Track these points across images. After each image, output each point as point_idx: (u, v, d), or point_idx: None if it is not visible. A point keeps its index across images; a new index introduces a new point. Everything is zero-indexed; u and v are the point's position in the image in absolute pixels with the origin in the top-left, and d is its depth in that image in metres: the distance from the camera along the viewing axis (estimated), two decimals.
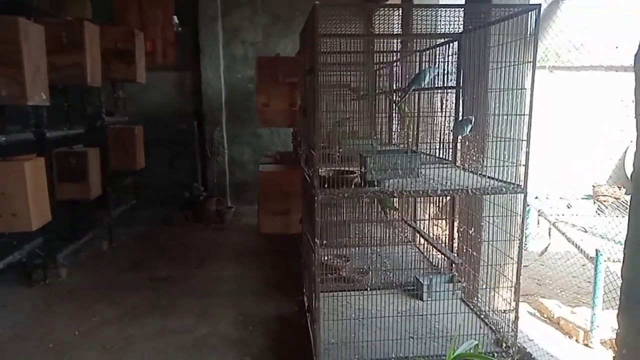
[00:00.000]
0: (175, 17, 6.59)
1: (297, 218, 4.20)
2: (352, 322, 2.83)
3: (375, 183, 2.64)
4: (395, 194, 2.55)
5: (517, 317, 2.66)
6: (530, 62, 2.87)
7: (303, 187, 3.72)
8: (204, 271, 4.81)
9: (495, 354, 2.66)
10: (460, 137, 3.17)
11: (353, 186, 2.69)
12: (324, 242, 3.42)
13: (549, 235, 4.55)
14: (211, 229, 6.39)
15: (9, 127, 3.94)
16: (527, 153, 2.58)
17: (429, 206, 4.87)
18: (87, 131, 5.33)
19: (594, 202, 5.24)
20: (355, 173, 2.83)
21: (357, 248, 4.24)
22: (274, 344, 3.31)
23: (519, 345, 2.78)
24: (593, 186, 5.48)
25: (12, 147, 4.02)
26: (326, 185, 2.59)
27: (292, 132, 6.25)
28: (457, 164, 3.35)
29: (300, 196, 4.09)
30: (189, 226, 6.50)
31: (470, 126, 3.06)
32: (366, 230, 4.55)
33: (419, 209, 4.67)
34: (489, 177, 2.78)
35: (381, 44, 4.57)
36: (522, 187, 2.60)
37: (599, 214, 4.98)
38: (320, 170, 2.62)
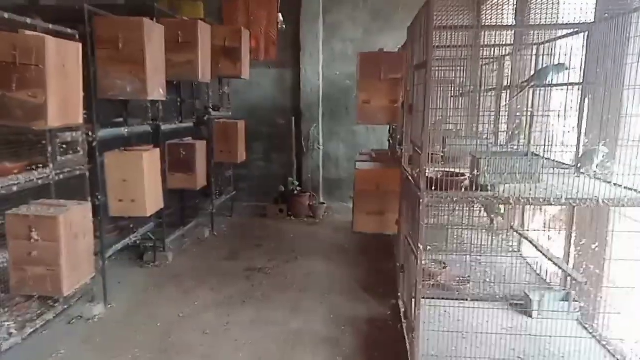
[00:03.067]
0: (280, 15, 6.75)
1: (393, 219, 4.07)
2: (453, 335, 2.65)
3: (489, 187, 2.44)
4: (511, 201, 2.33)
5: None
6: None
7: (403, 187, 3.59)
8: (296, 265, 4.88)
9: None
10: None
11: (463, 190, 2.51)
12: (428, 247, 3.26)
13: None
14: (303, 224, 6.48)
15: (130, 121, 4.30)
16: None
17: (537, 215, 4.46)
18: (195, 125, 5.67)
19: None
20: (465, 175, 2.64)
21: (455, 254, 4.01)
22: (366, 347, 3.23)
23: None
24: None
25: (132, 139, 4.40)
26: (433, 188, 2.44)
27: (389, 130, 6.11)
28: (580, 170, 2.99)
29: (398, 196, 3.96)
30: (282, 219, 6.66)
31: (602, 155, 2.71)
32: (465, 236, 4.29)
33: (527, 217, 4.30)
34: (623, 186, 2.43)
35: (491, 37, 4.26)
36: None
37: None
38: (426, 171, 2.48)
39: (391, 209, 4.10)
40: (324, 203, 6.99)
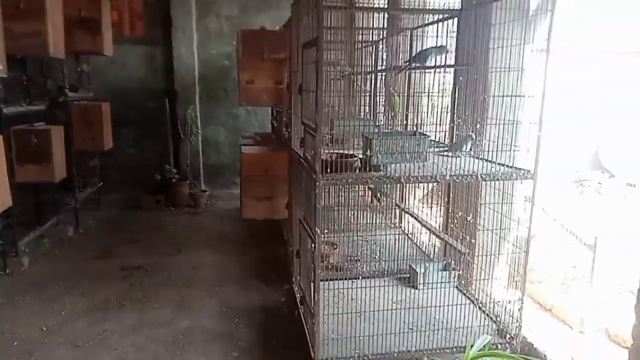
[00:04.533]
0: None
1: (283, 203, 3.98)
2: (349, 315, 2.67)
3: (381, 167, 2.46)
4: (402, 180, 2.38)
5: (522, 307, 2.57)
6: (529, 43, 2.76)
7: (293, 170, 3.50)
8: (180, 259, 4.54)
9: (499, 345, 2.57)
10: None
11: (357, 170, 2.50)
12: (326, 232, 3.23)
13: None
14: (185, 214, 6.09)
15: None
16: (539, 137, 2.45)
17: (415, 191, 4.76)
18: (48, 107, 4.88)
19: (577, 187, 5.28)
20: (356, 157, 2.64)
21: (343, 235, 4.08)
22: (263, 338, 3.12)
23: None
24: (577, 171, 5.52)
25: None
26: (328, 170, 2.39)
27: (271, 112, 5.98)
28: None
29: (286, 180, 3.87)
30: (161, 211, 6.17)
31: (470, 143, 2.92)
32: (351, 216, 4.39)
33: (405, 194, 4.55)
34: (498, 163, 2.64)
35: (368, 20, 4.36)
36: (533, 172, 2.48)
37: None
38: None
39: (280, 193, 4.00)
40: (205, 191, 6.64)
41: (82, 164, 5.63)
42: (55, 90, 5.04)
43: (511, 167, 2.58)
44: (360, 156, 2.58)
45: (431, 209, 4.38)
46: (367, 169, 2.48)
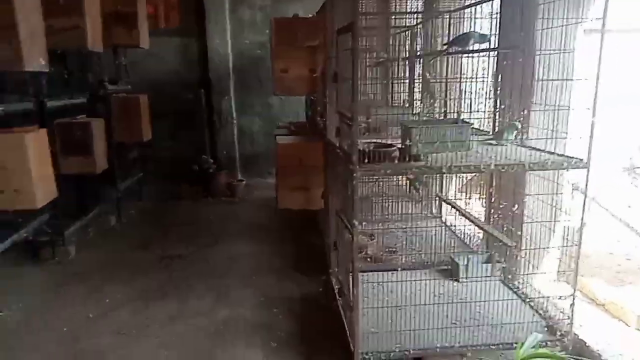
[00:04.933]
0: None
1: (318, 193, 3.94)
2: (389, 309, 2.61)
3: (421, 157, 2.37)
4: (444, 170, 2.28)
5: (574, 303, 2.44)
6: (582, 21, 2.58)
7: (329, 160, 3.45)
8: (219, 249, 4.59)
9: (548, 343, 2.45)
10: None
11: (396, 161, 2.42)
12: (364, 222, 3.18)
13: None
14: (222, 204, 6.15)
15: (6, 97, 3.62)
16: (593, 123, 2.29)
17: (455, 181, 4.61)
18: (89, 101, 5.01)
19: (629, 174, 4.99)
20: (394, 146, 2.56)
21: (381, 225, 4.01)
22: (301, 329, 3.11)
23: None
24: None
25: (10, 119, 3.72)
26: (366, 160, 2.32)
27: (305, 101, 5.92)
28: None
29: (322, 170, 3.82)
30: (199, 201, 6.26)
31: (515, 130, 2.77)
32: (388, 206, 4.31)
33: (444, 184, 4.42)
34: (547, 151, 2.50)
35: (403, 4, 4.22)
36: (585, 161, 2.33)
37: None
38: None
39: (316, 183, 3.96)
40: (242, 180, 6.69)
41: (123, 155, 5.77)
42: (95, 84, 5.15)
43: (562, 155, 2.43)
44: (399, 145, 2.50)
45: (470, 199, 4.24)
46: (407, 159, 2.40)
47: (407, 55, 4.54)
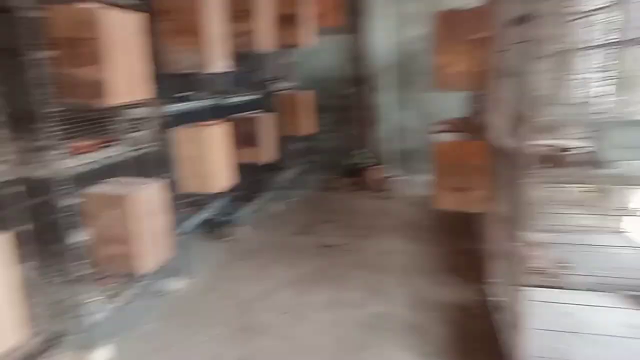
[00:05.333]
0: None
1: (478, 195, 3.70)
2: (562, 334, 2.32)
3: (611, 164, 2.05)
4: None
5: None
6: None
7: (493, 161, 3.21)
8: (372, 242, 4.68)
9: None
10: None
11: (575, 166, 2.13)
12: (534, 232, 2.90)
13: None
14: (376, 198, 6.24)
15: (197, 95, 4.21)
16: None
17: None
18: (260, 97, 5.54)
19: None
20: (575, 148, 2.25)
21: (553, 235, 3.59)
22: (456, 338, 2.98)
23: None
24: None
25: (199, 114, 4.33)
26: (540, 164, 2.09)
27: (468, 97, 5.61)
28: None
29: (483, 171, 3.57)
30: (354, 193, 6.46)
31: None
32: (562, 214, 3.83)
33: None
34: None
35: None
36: None
37: None
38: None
39: (476, 185, 3.72)
40: (397, 176, 6.68)
41: (287, 147, 6.26)
42: (266, 82, 5.67)
43: None
44: (582, 148, 2.20)
45: None
46: (593, 165, 2.09)
47: (592, 45, 3.95)
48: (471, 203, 3.83)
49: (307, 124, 6.04)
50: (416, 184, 6.49)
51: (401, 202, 6.03)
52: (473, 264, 3.83)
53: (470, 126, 4.72)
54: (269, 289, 3.77)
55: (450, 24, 3.91)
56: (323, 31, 6.65)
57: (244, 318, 3.34)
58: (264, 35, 4.79)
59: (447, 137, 4.25)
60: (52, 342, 2.73)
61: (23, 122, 2.65)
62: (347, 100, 6.98)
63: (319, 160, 7.12)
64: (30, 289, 2.57)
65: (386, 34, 6.73)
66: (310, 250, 4.51)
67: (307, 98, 5.99)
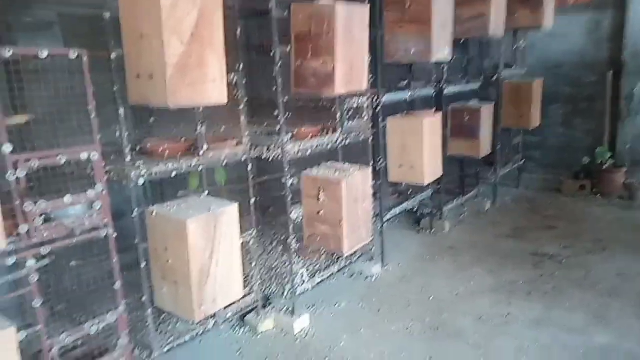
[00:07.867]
0: None
1: None
2: None
3: None
4: None
5: None
6: None
7: None
8: (603, 259, 3.88)
9: None
10: None
11: None
12: None
13: None
14: (615, 206, 5.17)
15: (414, 84, 4.15)
16: None
17: None
18: (481, 86, 5.15)
19: None
20: None
21: None
22: None
23: None
24: None
25: (414, 103, 4.27)
26: None
27: None
28: None
29: None
30: (584, 198, 5.48)
31: None
32: None
33: None
34: None
35: None
36: None
37: None
38: None
39: None
40: None
41: (506, 141, 5.69)
42: (490, 69, 5.23)
43: None
44: None
45: None
46: None
47: None
48: None
49: (531, 116, 5.37)
50: None
51: None
52: None
53: None
54: (467, 291, 3.51)
55: None
56: (567, 10, 5.77)
57: (438, 316, 3.19)
58: (496, 18, 4.40)
59: None
60: (261, 302, 3.13)
61: (262, 109, 3.06)
62: (588, 89, 5.91)
63: (540, 157, 6.27)
64: (250, 254, 2.98)
65: None
66: (520, 257, 4.01)
67: (534, 87, 5.31)
